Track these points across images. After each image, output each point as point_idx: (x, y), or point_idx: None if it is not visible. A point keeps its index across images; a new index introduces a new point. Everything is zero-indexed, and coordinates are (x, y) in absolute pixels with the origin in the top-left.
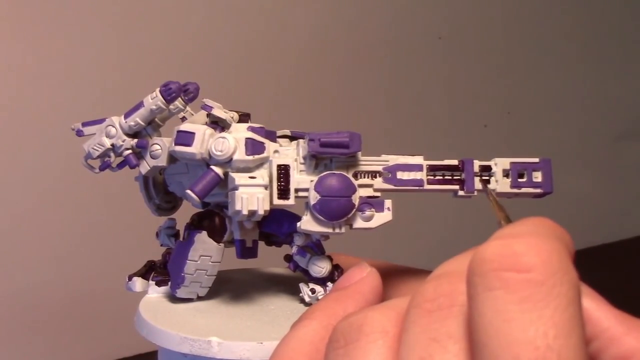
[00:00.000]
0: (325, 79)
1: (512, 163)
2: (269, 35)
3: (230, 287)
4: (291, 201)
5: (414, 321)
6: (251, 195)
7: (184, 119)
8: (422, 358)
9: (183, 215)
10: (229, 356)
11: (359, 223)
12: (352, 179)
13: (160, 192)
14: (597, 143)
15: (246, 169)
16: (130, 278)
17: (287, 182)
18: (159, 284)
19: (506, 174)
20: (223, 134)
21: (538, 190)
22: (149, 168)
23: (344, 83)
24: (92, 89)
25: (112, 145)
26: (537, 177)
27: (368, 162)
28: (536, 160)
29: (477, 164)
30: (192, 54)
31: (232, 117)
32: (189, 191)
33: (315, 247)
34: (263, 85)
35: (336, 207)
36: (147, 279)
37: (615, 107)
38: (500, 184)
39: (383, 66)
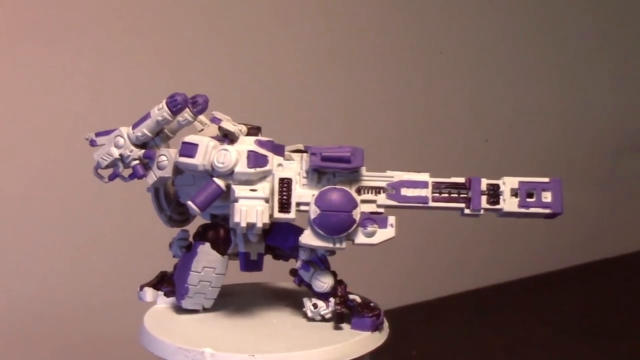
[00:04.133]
0: (333, 95)
1: (520, 182)
2: (280, 53)
3: (236, 300)
4: (292, 215)
5: None
6: (250, 208)
7: (202, 131)
8: None
9: (196, 228)
10: None
11: (360, 239)
12: (355, 194)
13: (172, 203)
14: (598, 157)
15: (248, 182)
16: (141, 288)
17: (289, 195)
18: (167, 294)
19: (514, 193)
20: (226, 146)
21: (547, 211)
22: (155, 179)
23: (348, 99)
24: (107, 98)
25: (121, 155)
26: (547, 197)
27: (372, 178)
28: (546, 180)
29: (484, 183)
30: (208, 66)
31: (241, 130)
32: (189, 202)
33: (319, 262)
34: (276, 100)
35: (336, 222)
36: (159, 290)
37: (616, 121)
38: (508, 203)
39: (385, 80)
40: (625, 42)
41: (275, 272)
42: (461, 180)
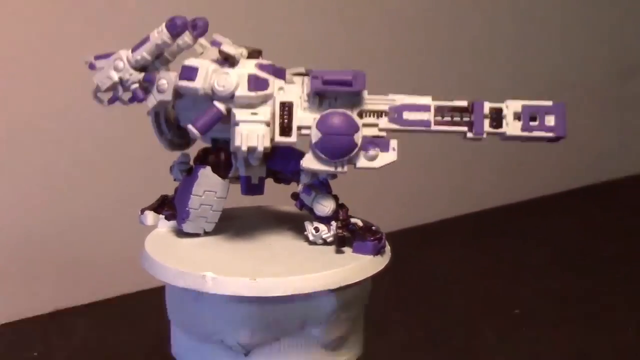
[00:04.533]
0: (335, 17)
1: (524, 106)
2: None
3: (237, 223)
4: (293, 138)
5: None
6: (251, 132)
7: (202, 55)
8: None
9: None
10: (222, 291)
11: (362, 162)
12: (356, 118)
13: (173, 127)
14: (603, 79)
15: (249, 105)
16: (142, 211)
17: (290, 119)
18: (168, 218)
19: (517, 117)
20: (226, 69)
21: (550, 134)
22: (155, 102)
23: (350, 21)
24: (104, 23)
25: (120, 78)
26: (550, 120)
27: (374, 101)
28: (549, 103)
29: (487, 106)
30: None
31: (242, 53)
32: (190, 126)
33: (321, 185)
34: (277, 22)
35: (337, 145)
36: (160, 213)
37: (621, 43)
38: (511, 126)
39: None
40: None
41: (277, 196)
42: (464, 103)
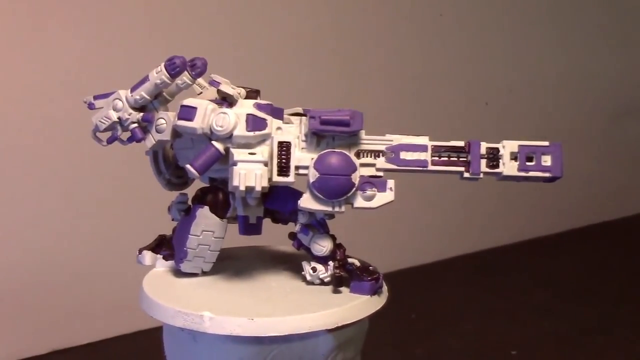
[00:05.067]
0: (332, 58)
1: (520, 146)
2: (278, 17)
3: (235, 263)
4: (291, 178)
5: None
6: (249, 171)
7: (200, 94)
8: None
9: (195, 191)
10: (220, 331)
11: (359, 202)
12: (354, 158)
13: (171, 166)
14: (596, 121)
15: (247, 145)
16: (140, 251)
17: (288, 159)
18: (166, 258)
19: (514, 156)
20: (224, 109)
21: (547, 175)
22: (154, 142)
23: (347, 62)
24: (105, 61)
25: (119, 118)
26: (547, 160)
27: (371, 141)
28: (546, 143)
29: (484, 146)
30: (207, 29)
31: (240, 93)
32: (188, 166)
33: (319, 225)
34: (275, 62)
35: (335, 185)
36: (158, 253)
37: (613, 86)
38: (508, 166)
39: (385, 42)
40: (625, 8)
41: (274, 236)
42: (460, 143)
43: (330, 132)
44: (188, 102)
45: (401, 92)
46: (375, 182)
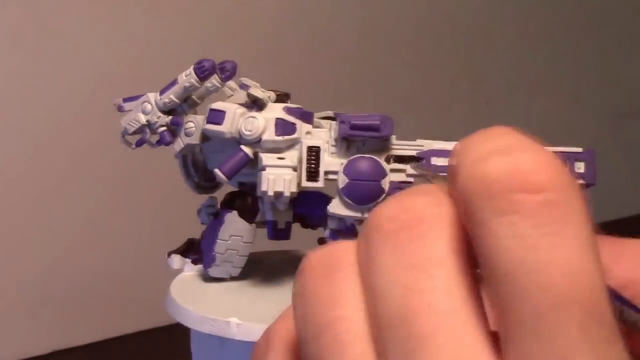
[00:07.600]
0: (364, 61)
1: (553, 152)
2: (309, 20)
3: (263, 268)
4: (320, 183)
5: (378, 247)
6: (278, 177)
7: (230, 97)
8: (407, 287)
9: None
10: (247, 337)
11: None
12: (384, 163)
13: (200, 169)
14: (597, 122)
15: (276, 150)
16: (169, 255)
17: (317, 164)
18: (194, 262)
19: None
20: (253, 113)
21: (580, 182)
22: (182, 146)
23: (378, 66)
24: (134, 63)
25: (148, 121)
26: (580, 167)
27: (401, 147)
28: (579, 150)
29: None
30: (237, 33)
31: (269, 97)
32: (216, 170)
33: (348, 231)
34: (306, 65)
35: (365, 191)
36: (186, 257)
37: (618, 87)
38: None
39: (416, 46)
40: (629, 9)
41: (304, 241)
42: None
43: (360, 137)
44: (217, 105)
45: (433, 95)
46: (405, 188)
